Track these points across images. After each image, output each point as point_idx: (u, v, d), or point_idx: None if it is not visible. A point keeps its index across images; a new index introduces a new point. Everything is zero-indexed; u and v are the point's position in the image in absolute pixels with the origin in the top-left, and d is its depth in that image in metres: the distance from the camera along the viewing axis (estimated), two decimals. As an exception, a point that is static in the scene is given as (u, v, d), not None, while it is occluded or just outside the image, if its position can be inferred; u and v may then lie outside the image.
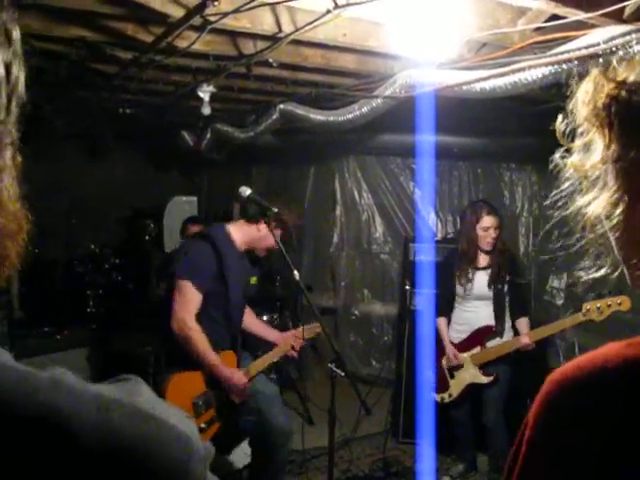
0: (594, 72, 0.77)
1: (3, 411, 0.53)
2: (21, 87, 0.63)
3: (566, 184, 0.80)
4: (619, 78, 0.74)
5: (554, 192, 0.81)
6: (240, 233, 3.53)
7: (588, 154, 0.77)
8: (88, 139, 6.76)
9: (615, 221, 0.74)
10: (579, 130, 0.78)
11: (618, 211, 0.73)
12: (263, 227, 3.41)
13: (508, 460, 0.71)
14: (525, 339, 4.02)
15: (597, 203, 0.75)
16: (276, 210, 3.30)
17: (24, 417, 0.54)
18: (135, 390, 0.64)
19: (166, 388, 3.32)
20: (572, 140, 0.79)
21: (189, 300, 3.35)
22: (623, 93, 0.72)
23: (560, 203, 0.81)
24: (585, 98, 0.77)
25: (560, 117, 0.81)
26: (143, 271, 6.82)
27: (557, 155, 0.82)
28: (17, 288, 5.23)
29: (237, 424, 3.72)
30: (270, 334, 4.00)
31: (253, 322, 4.01)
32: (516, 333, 4.24)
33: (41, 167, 5.92)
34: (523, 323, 4.22)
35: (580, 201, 0.78)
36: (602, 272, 0.79)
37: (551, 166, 0.82)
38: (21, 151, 0.66)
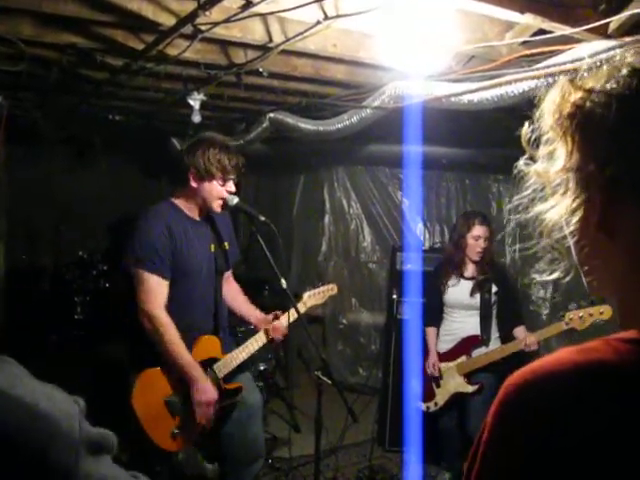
0: (562, 80, 0.77)
1: None
2: None
3: (528, 191, 0.81)
4: (586, 86, 0.74)
5: (515, 198, 0.83)
6: (184, 201, 3.26)
7: (551, 162, 0.77)
8: (77, 145, 6.74)
9: (572, 228, 0.75)
10: (544, 138, 0.79)
11: (575, 219, 0.75)
12: (193, 178, 3.17)
13: (468, 460, 0.72)
14: (532, 338, 3.96)
15: (556, 210, 0.76)
16: (263, 219, 3.16)
17: None
18: None
19: (133, 387, 3.01)
20: (537, 148, 0.80)
21: (151, 289, 3.03)
22: (588, 104, 0.73)
23: (521, 209, 0.82)
24: (551, 106, 0.77)
25: (526, 125, 0.81)
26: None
27: (521, 162, 0.82)
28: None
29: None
30: (252, 315, 3.58)
31: (235, 298, 3.61)
32: (505, 342, 4.21)
33: (29, 173, 5.91)
34: (522, 331, 4.19)
35: (540, 207, 0.78)
36: (555, 276, 0.81)
37: (515, 172, 0.83)
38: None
